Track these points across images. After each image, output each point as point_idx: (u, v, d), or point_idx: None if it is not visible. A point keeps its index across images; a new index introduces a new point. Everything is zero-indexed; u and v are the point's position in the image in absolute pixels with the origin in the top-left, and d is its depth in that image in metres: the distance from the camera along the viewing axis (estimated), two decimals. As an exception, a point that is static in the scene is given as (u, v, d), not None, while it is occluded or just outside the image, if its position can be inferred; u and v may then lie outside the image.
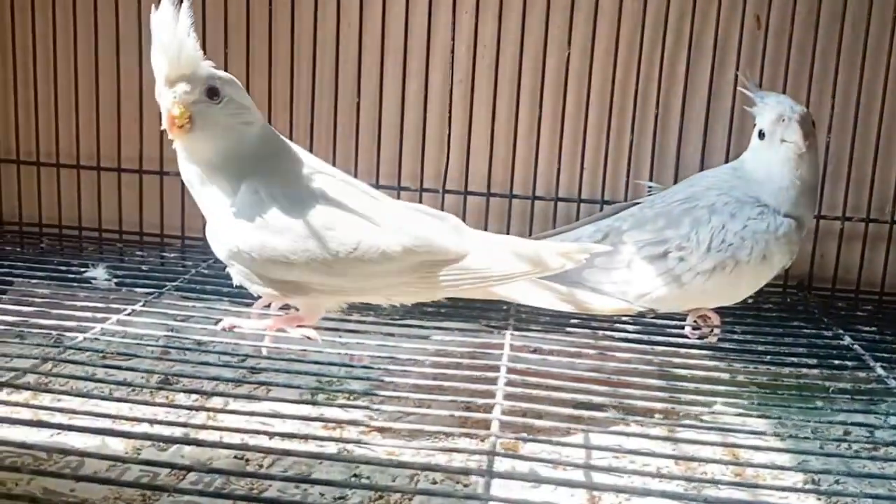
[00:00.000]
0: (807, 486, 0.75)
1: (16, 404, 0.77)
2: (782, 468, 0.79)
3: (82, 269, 1.15)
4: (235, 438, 0.78)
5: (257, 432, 0.77)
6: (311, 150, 1.04)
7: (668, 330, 1.03)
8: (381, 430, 0.84)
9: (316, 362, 0.87)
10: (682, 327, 1.05)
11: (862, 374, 0.91)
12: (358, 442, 0.81)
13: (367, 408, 0.84)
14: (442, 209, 0.99)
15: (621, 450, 0.79)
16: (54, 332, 0.90)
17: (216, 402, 0.88)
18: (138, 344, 0.90)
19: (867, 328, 1.07)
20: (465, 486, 0.76)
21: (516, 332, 0.99)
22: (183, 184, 1.29)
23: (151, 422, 0.81)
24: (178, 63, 0.82)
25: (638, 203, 1.11)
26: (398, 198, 1.13)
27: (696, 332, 1.05)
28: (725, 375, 0.89)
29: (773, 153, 1.01)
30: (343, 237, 0.87)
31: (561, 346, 0.95)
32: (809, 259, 1.22)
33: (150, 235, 1.33)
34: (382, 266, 0.89)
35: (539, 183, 1.25)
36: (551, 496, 0.74)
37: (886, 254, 1.22)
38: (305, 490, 0.73)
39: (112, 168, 1.31)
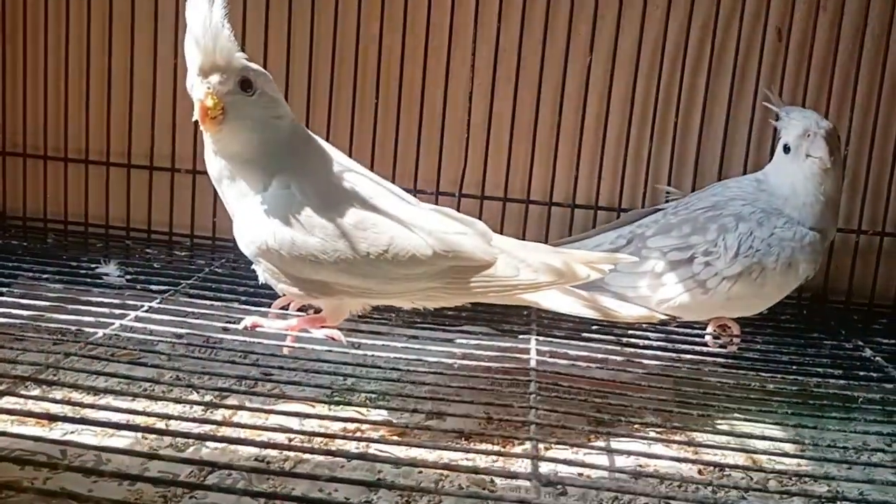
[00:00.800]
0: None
1: (37, 398, 0.75)
2: (811, 476, 0.79)
3: (93, 266, 1.13)
4: (256, 438, 0.77)
5: (290, 430, 0.75)
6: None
7: (691, 339, 1.03)
8: (408, 433, 0.83)
9: (341, 363, 0.86)
10: (703, 336, 1.04)
11: (889, 386, 0.91)
12: (387, 442, 0.79)
13: (399, 409, 0.82)
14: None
15: (650, 455, 0.79)
16: (73, 328, 0.88)
17: (234, 400, 0.86)
18: (159, 341, 0.88)
19: (885, 340, 1.08)
20: (501, 490, 0.74)
21: (540, 338, 0.98)
22: (194, 181, 1.30)
23: (175, 418, 0.79)
24: (213, 54, 0.80)
25: (660, 209, 1.11)
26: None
27: (717, 341, 1.04)
28: (755, 384, 0.88)
29: (797, 167, 1.01)
30: (374, 238, 0.85)
31: (588, 353, 0.94)
32: (825, 271, 1.22)
33: (158, 233, 1.30)
34: (411, 269, 0.88)
35: (556, 189, 1.24)
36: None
37: (901, 268, 1.22)
38: (330, 494, 0.71)
39: (122, 164, 1.28)
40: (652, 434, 0.81)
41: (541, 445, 0.72)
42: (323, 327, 0.92)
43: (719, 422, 0.88)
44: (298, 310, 0.99)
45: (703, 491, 0.76)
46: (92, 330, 0.87)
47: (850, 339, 1.06)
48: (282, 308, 1.00)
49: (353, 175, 0.90)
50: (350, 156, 0.95)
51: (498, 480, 0.75)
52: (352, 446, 0.79)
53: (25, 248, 1.22)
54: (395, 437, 0.82)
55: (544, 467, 0.74)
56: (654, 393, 0.83)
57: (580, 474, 0.78)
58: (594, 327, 1.03)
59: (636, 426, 0.80)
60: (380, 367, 0.84)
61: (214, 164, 0.86)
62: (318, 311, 0.95)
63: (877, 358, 0.99)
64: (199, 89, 0.81)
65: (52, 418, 0.75)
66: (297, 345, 0.91)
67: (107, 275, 1.11)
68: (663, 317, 1.01)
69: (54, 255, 1.18)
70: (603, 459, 0.80)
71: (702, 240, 1.01)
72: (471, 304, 1.01)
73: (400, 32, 1.22)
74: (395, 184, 0.97)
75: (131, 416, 0.77)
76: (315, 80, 1.24)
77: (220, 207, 0.90)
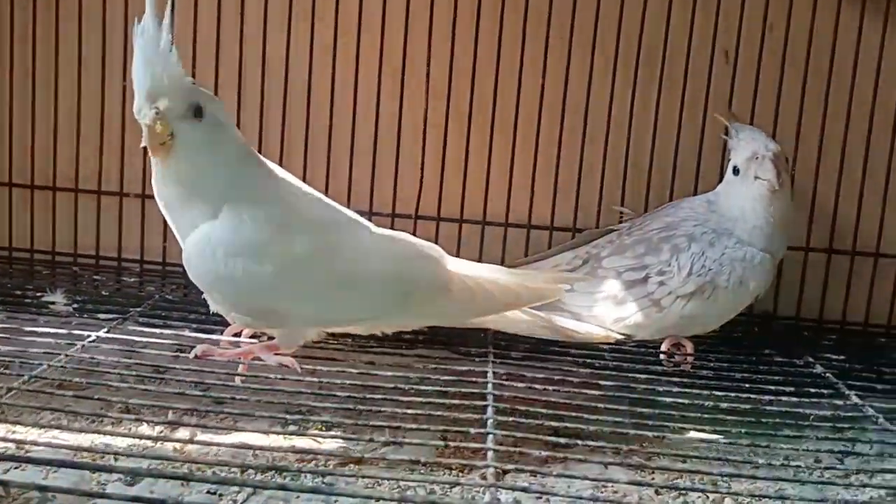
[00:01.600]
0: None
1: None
2: (766, 496, 0.79)
3: (39, 294, 1.10)
4: (208, 471, 0.75)
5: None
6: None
7: (646, 358, 1.04)
8: (366, 461, 0.82)
9: (295, 392, 0.84)
10: (658, 355, 1.05)
11: (839, 402, 0.93)
12: (339, 475, 0.78)
13: (351, 438, 0.81)
14: (414, 235, 0.97)
15: (605, 479, 0.78)
16: (17, 360, 0.85)
17: (185, 432, 0.84)
18: (107, 372, 0.85)
19: (835, 356, 1.09)
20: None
21: (497, 360, 0.98)
22: (143, 205, 1.28)
23: (123, 454, 0.76)
24: (162, 79, 0.79)
25: (614, 230, 1.12)
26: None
27: (671, 360, 1.05)
28: (709, 403, 0.89)
29: (746, 189, 1.03)
30: (328, 266, 0.84)
31: (545, 374, 0.94)
32: (775, 288, 1.24)
33: (107, 259, 1.27)
34: (367, 296, 0.87)
35: (512, 210, 1.24)
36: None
37: (848, 284, 1.24)
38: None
39: (69, 188, 1.25)
40: (608, 458, 0.81)
41: (498, 472, 0.71)
42: (277, 354, 0.91)
43: (675, 442, 0.88)
44: (251, 337, 0.98)
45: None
46: (37, 362, 0.84)
47: (800, 356, 1.07)
48: (234, 335, 0.98)
49: (308, 200, 0.89)
50: (304, 180, 0.94)
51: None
52: (308, 479, 0.77)
53: (-33, 277, 1.19)
54: (351, 467, 0.81)
55: (503, 496, 0.74)
56: (610, 415, 0.83)
57: (539, 496, 0.77)
58: (552, 348, 1.03)
59: (593, 449, 0.80)
60: (335, 395, 0.83)
61: (163, 190, 0.84)
62: (271, 338, 0.93)
63: (827, 374, 1.01)
64: (146, 115, 0.79)
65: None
66: (249, 373, 0.90)
67: (53, 303, 1.08)
68: (619, 336, 1.02)
69: (-2, 282, 1.15)
70: (562, 484, 0.80)
71: (655, 260, 1.02)
72: (428, 328, 1.01)
73: (354, 57, 1.21)
74: (351, 206, 0.96)
75: (77, 452, 0.75)
76: (267, 104, 1.23)
77: (171, 232, 0.88)
